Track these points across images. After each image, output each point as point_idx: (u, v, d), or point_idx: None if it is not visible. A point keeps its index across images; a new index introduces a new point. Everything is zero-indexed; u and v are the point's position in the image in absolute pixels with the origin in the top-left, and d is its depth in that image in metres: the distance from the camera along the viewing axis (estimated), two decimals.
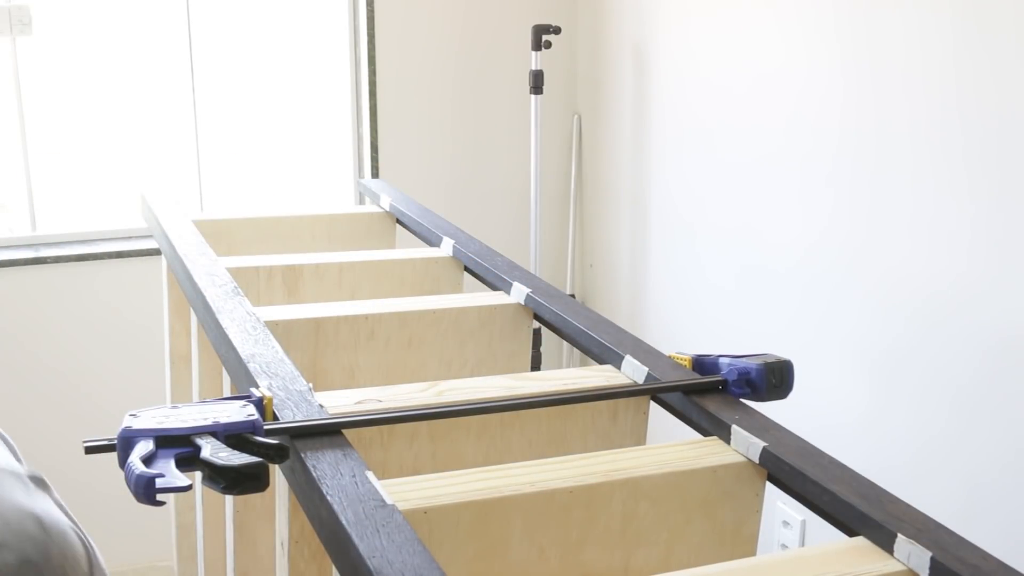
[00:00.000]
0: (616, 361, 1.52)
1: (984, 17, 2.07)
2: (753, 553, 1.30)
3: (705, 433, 1.35)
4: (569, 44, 3.49)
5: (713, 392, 1.41)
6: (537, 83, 3.27)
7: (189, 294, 1.83)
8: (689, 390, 1.40)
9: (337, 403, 1.34)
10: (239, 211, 2.48)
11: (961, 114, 2.14)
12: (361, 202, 3.05)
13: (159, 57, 3.26)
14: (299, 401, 1.29)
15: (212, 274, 1.78)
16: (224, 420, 1.13)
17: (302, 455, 1.17)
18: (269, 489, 1.09)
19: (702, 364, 1.46)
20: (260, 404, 1.21)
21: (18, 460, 1.00)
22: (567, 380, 1.47)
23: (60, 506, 0.87)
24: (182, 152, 3.32)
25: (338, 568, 1.06)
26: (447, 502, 1.13)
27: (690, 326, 3.06)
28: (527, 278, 1.84)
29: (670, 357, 1.49)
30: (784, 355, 1.43)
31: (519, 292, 1.79)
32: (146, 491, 1.01)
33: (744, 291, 2.81)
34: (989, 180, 2.09)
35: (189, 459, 1.07)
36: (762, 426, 1.30)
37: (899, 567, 1.07)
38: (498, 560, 1.17)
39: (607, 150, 3.41)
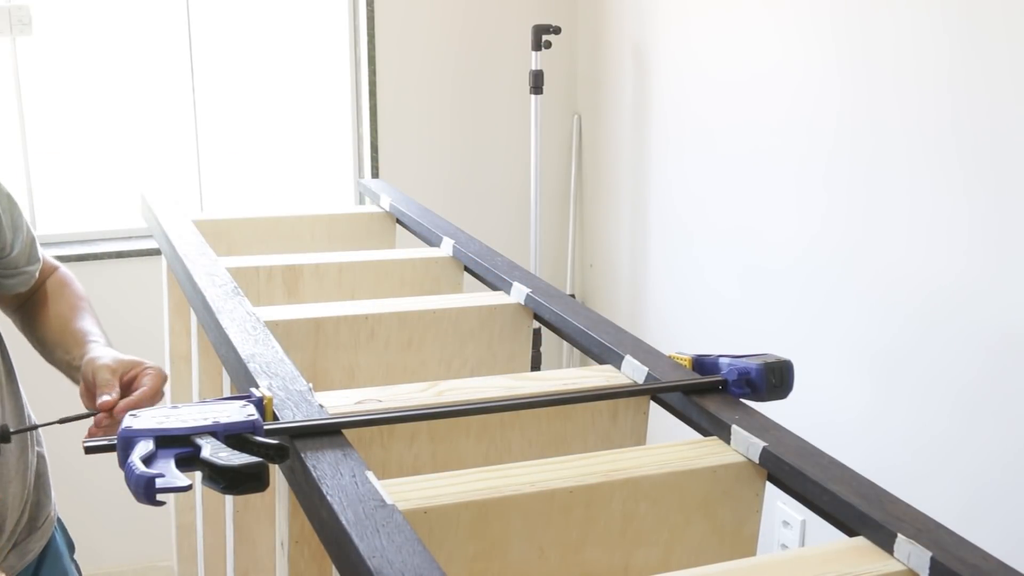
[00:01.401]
0: (616, 361, 1.51)
1: (978, 16, 2.07)
2: (753, 553, 1.30)
3: (705, 433, 1.35)
4: (569, 44, 3.49)
5: (713, 392, 1.40)
6: (537, 83, 3.27)
7: (189, 294, 1.83)
8: (689, 390, 1.40)
9: (337, 403, 1.34)
10: (239, 211, 2.48)
11: (956, 112, 2.14)
12: (361, 202, 3.05)
13: (159, 57, 3.26)
14: (299, 401, 1.29)
15: (212, 274, 1.78)
16: (224, 420, 1.13)
17: (302, 455, 1.17)
18: (269, 489, 1.08)
19: (702, 364, 1.45)
20: (260, 404, 1.21)
21: None
22: (567, 380, 1.47)
23: None
24: (182, 152, 3.32)
25: (338, 568, 1.06)
26: (447, 502, 1.13)
27: (690, 326, 3.06)
28: (527, 278, 1.84)
29: (670, 357, 1.49)
30: (785, 354, 1.43)
31: (519, 292, 1.79)
32: (146, 491, 1.01)
33: (745, 290, 2.81)
34: (985, 177, 2.09)
35: (189, 459, 1.07)
36: (762, 426, 1.30)
37: (899, 567, 1.06)
38: (498, 560, 1.17)
39: (607, 150, 3.41)
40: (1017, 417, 2.07)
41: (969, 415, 2.17)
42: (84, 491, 3.04)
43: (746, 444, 1.27)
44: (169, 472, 1.03)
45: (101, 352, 1.46)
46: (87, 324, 1.57)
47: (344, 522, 1.04)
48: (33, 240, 1.58)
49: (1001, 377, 2.10)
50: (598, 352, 1.57)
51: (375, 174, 3.37)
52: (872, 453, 2.37)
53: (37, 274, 1.62)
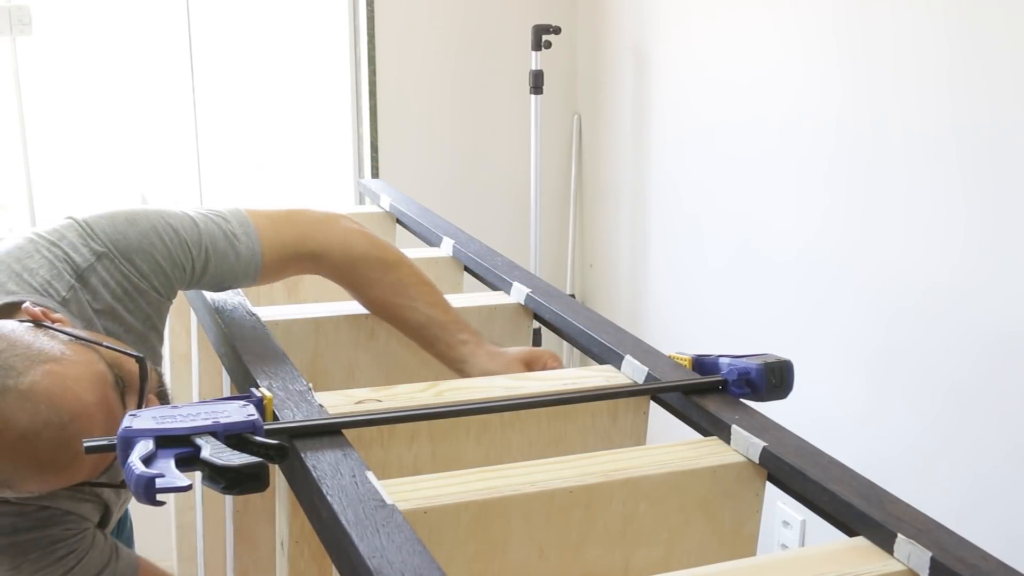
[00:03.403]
0: (616, 361, 1.51)
1: (978, 18, 2.07)
2: (753, 553, 1.30)
3: (705, 433, 1.35)
4: (569, 44, 3.49)
5: (713, 392, 1.40)
6: (537, 83, 3.27)
7: (189, 294, 1.83)
8: (689, 390, 1.40)
9: (337, 403, 1.34)
10: None
11: (956, 112, 2.14)
12: (361, 202, 3.05)
13: (159, 57, 3.25)
14: (299, 401, 1.29)
15: None
16: (224, 420, 1.13)
17: (302, 455, 1.17)
18: (269, 489, 1.08)
19: (702, 364, 1.45)
20: (260, 404, 1.21)
21: None
22: (567, 380, 1.47)
23: None
24: (182, 152, 3.32)
25: (338, 568, 1.06)
26: (447, 502, 1.13)
27: (690, 326, 3.06)
28: (527, 278, 1.84)
29: (670, 357, 1.49)
30: (785, 353, 1.43)
31: (519, 292, 1.79)
32: (146, 491, 1.01)
33: (745, 290, 2.81)
34: (983, 178, 2.10)
35: (189, 459, 1.07)
36: (762, 426, 1.30)
37: (899, 567, 1.06)
38: (498, 560, 1.17)
39: (607, 150, 3.41)
40: (1012, 413, 2.07)
41: (964, 411, 2.17)
42: None
43: (746, 444, 1.27)
44: (169, 472, 1.03)
45: (496, 354, 1.58)
46: (440, 320, 1.61)
47: (344, 522, 1.04)
48: (233, 248, 1.47)
49: (996, 374, 2.10)
50: (598, 352, 1.57)
51: (375, 174, 3.36)
52: (868, 449, 2.37)
53: (259, 267, 1.52)
